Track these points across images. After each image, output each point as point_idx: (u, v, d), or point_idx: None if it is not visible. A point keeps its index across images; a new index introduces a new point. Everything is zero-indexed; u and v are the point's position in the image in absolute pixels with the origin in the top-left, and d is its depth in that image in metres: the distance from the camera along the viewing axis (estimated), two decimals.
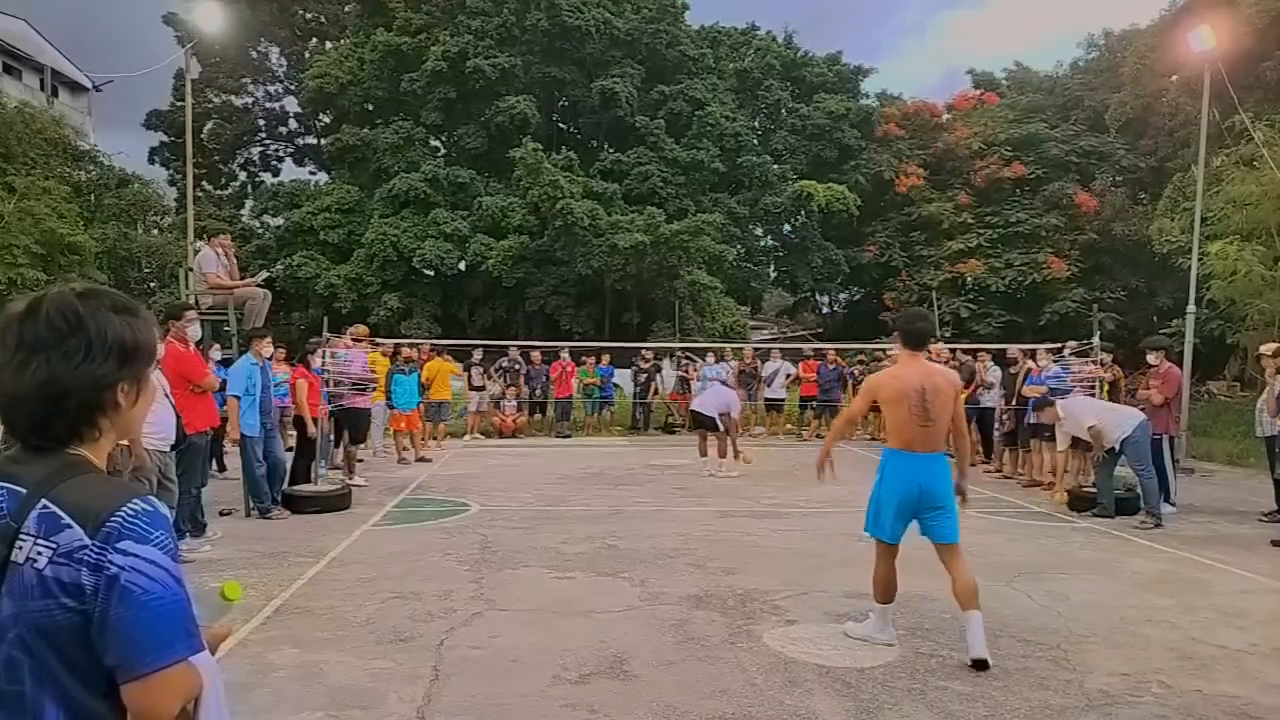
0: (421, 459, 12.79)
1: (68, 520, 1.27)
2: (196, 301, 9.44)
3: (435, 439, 14.74)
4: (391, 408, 12.42)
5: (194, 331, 7.74)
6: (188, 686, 1.32)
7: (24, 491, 1.30)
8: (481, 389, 16.64)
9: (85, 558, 1.25)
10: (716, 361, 17.78)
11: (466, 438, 16.21)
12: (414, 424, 12.97)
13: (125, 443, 5.86)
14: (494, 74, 27.80)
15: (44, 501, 1.29)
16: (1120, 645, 4.86)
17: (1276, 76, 19.10)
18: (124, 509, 1.29)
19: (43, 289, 1.44)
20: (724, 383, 14.55)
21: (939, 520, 4.62)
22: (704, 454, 11.96)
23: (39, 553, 1.26)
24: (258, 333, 8.66)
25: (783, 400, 17.37)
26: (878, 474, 4.76)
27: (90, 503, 1.29)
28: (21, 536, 1.27)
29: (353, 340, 11.39)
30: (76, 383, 1.34)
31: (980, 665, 4.38)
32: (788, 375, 17.11)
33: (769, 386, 17.22)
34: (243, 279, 10.44)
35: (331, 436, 10.39)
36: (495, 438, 16.54)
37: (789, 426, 17.65)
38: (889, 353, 17.10)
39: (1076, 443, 10.21)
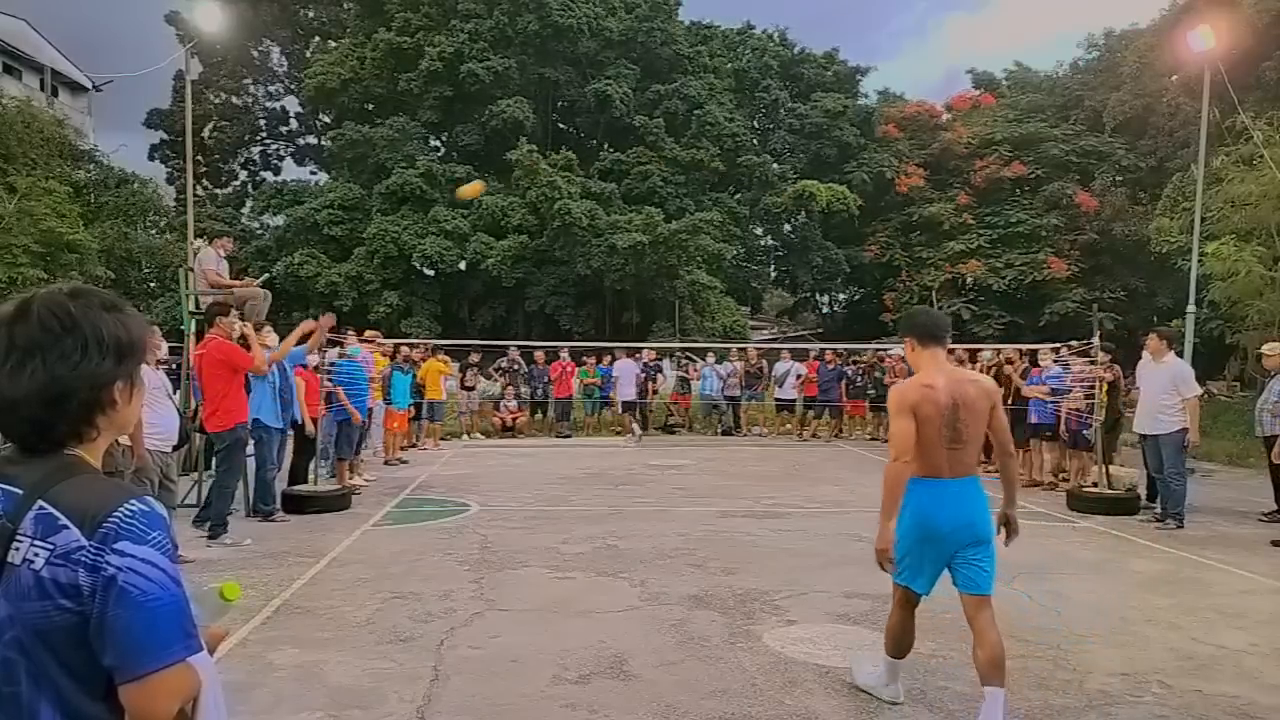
0: (401, 460, 12.74)
1: (65, 521, 1.27)
2: (198, 302, 9.45)
3: (431, 438, 14.77)
4: (388, 404, 12.40)
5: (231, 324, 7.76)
6: (186, 687, 1.31)
7: (20, 493, 1.30)
8: (472, 389, 16.60)
9: (82, 559, 1.25)
10: (718, 361, 17.80)
11: (465, 438, 16.21)
12: (403, 424, 12.94)
13: (128, 444, 5.87)
14: (488, 77, 27.83)
15: (41, 503, 1.28)
16: (1120, 645, 4.85)
17: (1276, 76, 19.10)
18: (121, 509, 1.29)
19: (43, 288, 1.43)
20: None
21: (973, 564, 3.73)
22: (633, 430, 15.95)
23: (36, 554, 1.25)
24: (256, 324, 8.63)
25: (793, 401, 17.38)
26: (901, 511, 3.77)
27: (87, 503, 1.28)
28: (18, 538, 1.27)
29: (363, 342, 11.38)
30: (78, 383, 1.33)
31: None
32: (798, 376, 17.11)
33: (780, 387, 17.25)
34: (240, 280, 10.48)
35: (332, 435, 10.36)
36: (495, 437, 16.56)
37: (787, 427, 17.64)
38: (890, 353, 17.13)
39: (1077, 441, 10.24)
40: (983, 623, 3.70)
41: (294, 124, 36.97)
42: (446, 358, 15.08)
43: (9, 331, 1.33)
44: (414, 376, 13.41)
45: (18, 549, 1.26)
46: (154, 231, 26.58)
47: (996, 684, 3.64)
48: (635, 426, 16.30)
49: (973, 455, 3.79)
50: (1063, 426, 10.32)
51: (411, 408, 13.40)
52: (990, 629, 3.69)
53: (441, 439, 15.44)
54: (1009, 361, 12.22)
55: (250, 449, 8.58)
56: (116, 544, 1.26)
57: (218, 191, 34.97)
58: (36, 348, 1.31)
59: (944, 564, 3.77)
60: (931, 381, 3.73)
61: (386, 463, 12.35)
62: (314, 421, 9.20)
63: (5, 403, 1.31)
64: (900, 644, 3.94)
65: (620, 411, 16.81)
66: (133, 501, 1.31)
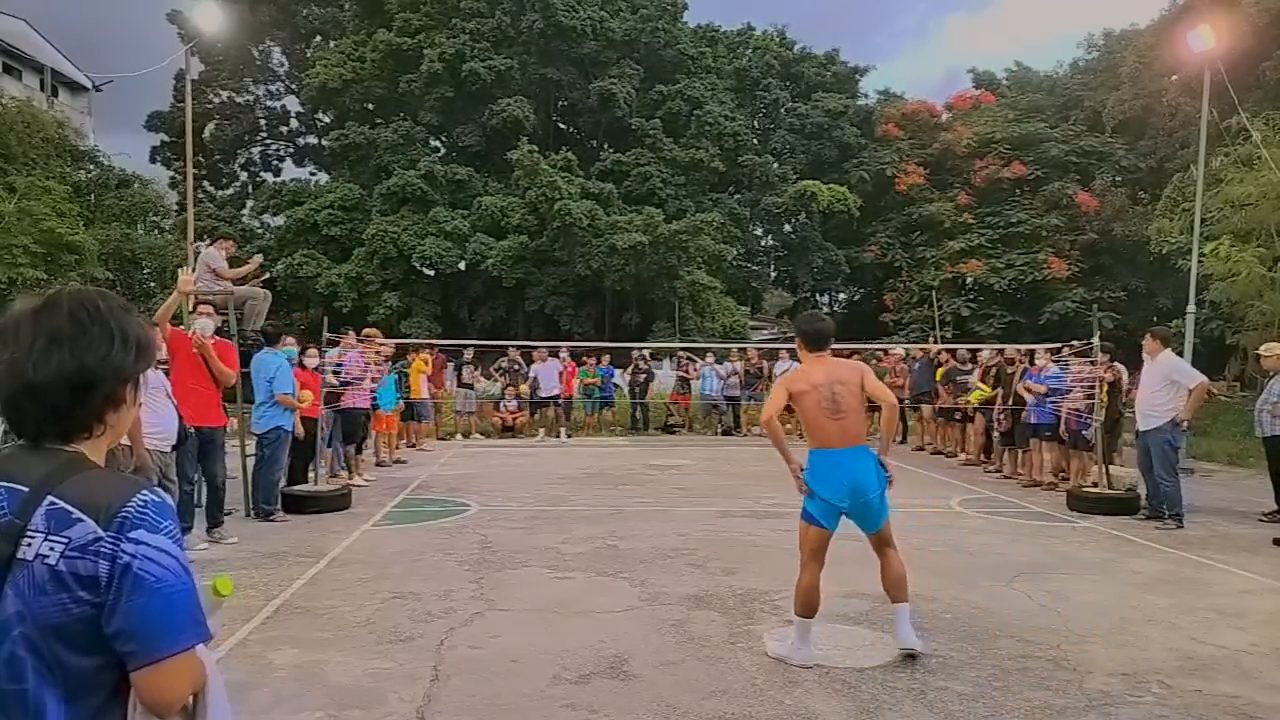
0: (398, 460, 12.72)
1: (78, 515, 1.29)
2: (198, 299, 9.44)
3: (425, 438, 14.74)
4: (375, 408, 12.37)
5: (203, 326, 7.71)
6: (196, 674, 1.35)
7: (25, 490, 1.31)
8: (470, 387, 16.57)
9: (101, 549, 1.27)
10: (718, 361, 17.79)
11: (460, 438, 16.18)
12: (392, 425, 12.95)
13: (128, 443, 5.87)
14: (490, 77, 27.80)
15: (50, 498, 1.30)
16: (1120, 645, 4.86)
17: (1276, 76, 19.09)
18: (134, 500, 1.32)
19: (43, 288, 1.46)
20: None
21: (869, 512, 4.57)
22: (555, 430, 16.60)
23: (51, 548, 1.27)
24: (276, 328, 8.68)
25: None
26: (808, 480, 4.67)
27: (99, 496, 1.31)
28: (29, 534, 1.28)
29: (358, 340, 11.35)
30: (104, 372, 1.36)
31: (910, 656, 4.50)
32: None
33: None
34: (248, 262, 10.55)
35: (327, 436, 10.34)
36: (495, 436, 16.55)
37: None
38: (891, 352, 17.13)
39: (1077, 441, 10.24)
40: (885, 551, 4.62)
41: (294, 124, 36.92)
42: (426, 355, 14.99)
43: (36, 319, 1.36)
44: (396, 376, 13.33)
45: (29, 545, 1.28)
46: (155, 232, 26.54)
47: (902, 600, 4.56)
48: (562, 431, 16.81)
49: (856, 425, 4.60)
50: (1063, 426, 10.32)
51: (399, 408, 13.30)
52: (891, 555, 4.61)
53: (439, 438, 15.41)
54: (1010, 361, 12.22)
55: (252, 449, 8.62)
56: (132, 533, 1.29)
57: (217, 193, 34.90)
58: (65, 336, 1.35)
59: (839, 517, 4.61)
60: (810, 369, 4.74)
61: (378, 464, 12.31)
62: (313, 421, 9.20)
63: (29, 388, 1.33)
64: (809, 602, 4.52)
65: (548, 412, 16.99)
66: (145, 492, 1.34)
